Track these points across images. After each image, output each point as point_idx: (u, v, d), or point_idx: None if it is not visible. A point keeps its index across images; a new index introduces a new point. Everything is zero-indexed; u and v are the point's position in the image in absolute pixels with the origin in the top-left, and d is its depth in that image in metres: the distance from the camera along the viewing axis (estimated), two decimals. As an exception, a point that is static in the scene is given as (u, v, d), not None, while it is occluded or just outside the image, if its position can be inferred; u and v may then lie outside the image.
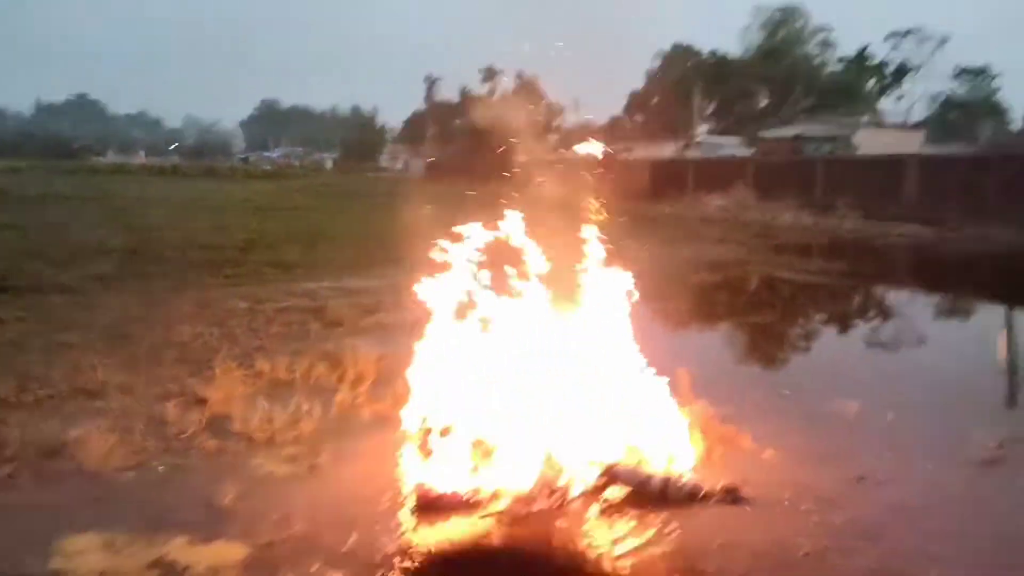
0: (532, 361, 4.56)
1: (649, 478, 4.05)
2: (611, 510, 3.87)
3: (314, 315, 8.41)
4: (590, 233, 4.88)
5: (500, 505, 3.87)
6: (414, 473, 4.26)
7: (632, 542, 3.53)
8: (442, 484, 3.95)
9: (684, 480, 4.06)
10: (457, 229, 4.76)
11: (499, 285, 4.82)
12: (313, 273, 11.60)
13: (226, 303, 9.06)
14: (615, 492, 4.01)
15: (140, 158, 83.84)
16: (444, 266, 4.96)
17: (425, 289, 4.97)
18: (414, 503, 3.84)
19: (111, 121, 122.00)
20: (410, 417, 4.83)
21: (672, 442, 4.44)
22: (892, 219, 22.45)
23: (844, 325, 10.76)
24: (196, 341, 7.01)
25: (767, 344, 8.98)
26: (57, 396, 5.35)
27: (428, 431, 4.65)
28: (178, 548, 3.33)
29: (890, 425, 5.11)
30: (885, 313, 11.69)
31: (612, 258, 4.88)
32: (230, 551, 3.32)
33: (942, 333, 9.77)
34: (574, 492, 3.98)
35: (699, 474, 4.21)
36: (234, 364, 5.84)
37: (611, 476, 4.08)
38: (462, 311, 4.91)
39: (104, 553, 3.29)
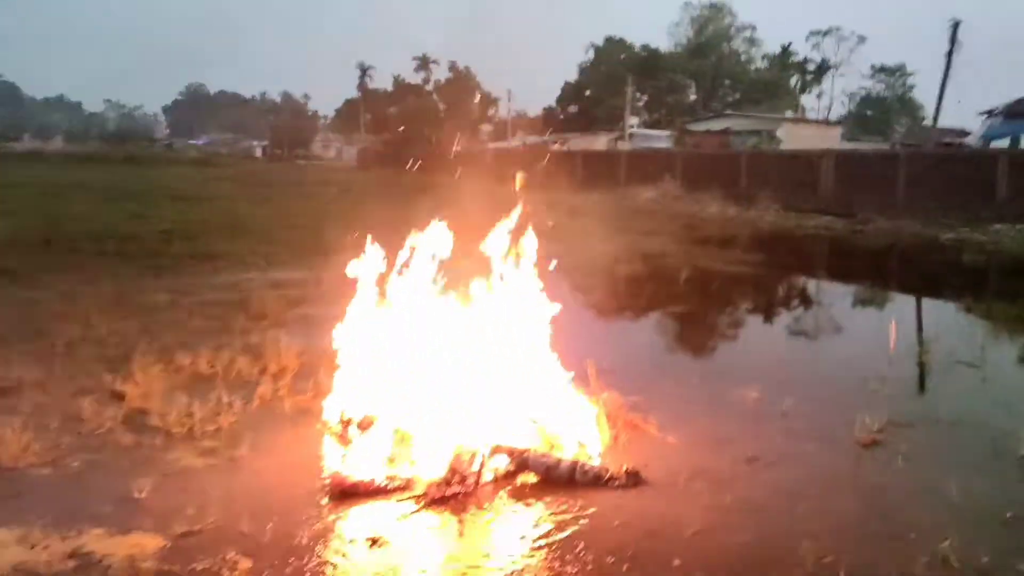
0: (448, 351, 4.74)
1: (558, 463, 4.28)
2: (520, 493, 4.09)
3: (238, 308, 8.37)
4: (518, 223, 5.06)
5: (415, 491, 4.04)
6: (332, 462, 4.40)
7: (538, 523, 3.75)
8: (359, 472, 4.10)
9: (590, 465, 4.31)
10: (381, 221, 4.87)
11: (420, 276, 4.98)
12: (238, 264, 11.50)
13: (146, 296, 8.94)
14: (526, 477, 4.24)
15: (58, 143, 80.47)
16: (367, 258, 5.10)
17: (346, 281, 5.11)
18: (330, 491, 3.97)
19: (27, 105, 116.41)
20: (330, 408, 4.97)
21: (581, 430, 4.69)
22: (810, 211, 23.49)
23: (758, 314, 11.28)
24: (114, 336, 6.93)
25: (683, 333, 9.37)
26: (-32, 394, 5.26)
27: (347, 422, 4.81)
28: (95, 540, 3.40)
29: (786, 411, 5.46)
30: (797, 302, 12.29)
31: (538, 249, 5.08)
32: (146, 542, 3.40)
33: (847, 321, 10.35)
34: (486, 477, 4.18)
35: (605, 459, 4.47)
36: (153, 359, 5.83)
37: (522, 462, 4.30)
38: (381, 302, 5.07)
39: (20, 547, 3.33)
